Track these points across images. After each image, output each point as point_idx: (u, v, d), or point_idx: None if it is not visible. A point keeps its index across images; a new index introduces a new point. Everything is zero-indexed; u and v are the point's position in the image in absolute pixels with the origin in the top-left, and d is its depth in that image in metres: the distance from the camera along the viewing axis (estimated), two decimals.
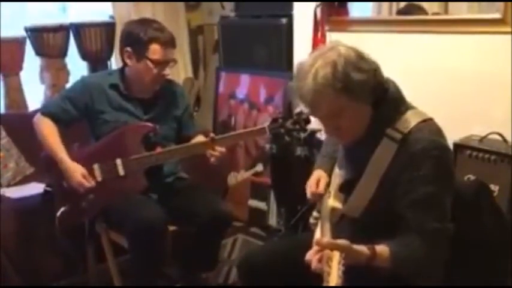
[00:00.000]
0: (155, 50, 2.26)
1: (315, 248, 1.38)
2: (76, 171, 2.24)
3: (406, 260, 1.41)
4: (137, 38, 2.26)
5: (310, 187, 1.76)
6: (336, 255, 1.25)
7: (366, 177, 1.52)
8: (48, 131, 2.31)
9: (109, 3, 3.44)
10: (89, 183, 2.24)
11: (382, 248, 1.39)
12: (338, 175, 1.66)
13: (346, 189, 1.59)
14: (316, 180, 1.77)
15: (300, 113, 2.22)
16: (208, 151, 2.25)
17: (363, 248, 1.35)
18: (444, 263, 1.48)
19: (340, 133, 1.53)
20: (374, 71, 1.45)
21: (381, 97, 1.48)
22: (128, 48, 2.29)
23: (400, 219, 1.46)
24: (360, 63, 1.43)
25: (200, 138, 2.42)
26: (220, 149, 2.25)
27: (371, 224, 1.52)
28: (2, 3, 2.97)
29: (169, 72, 2.34)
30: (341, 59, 1.41)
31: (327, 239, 1.34)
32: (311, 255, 1.38)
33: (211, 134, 2.31)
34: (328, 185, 1.75)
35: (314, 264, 1.35)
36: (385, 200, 1.48)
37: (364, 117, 1.50)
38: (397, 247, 1.41)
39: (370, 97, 1.46)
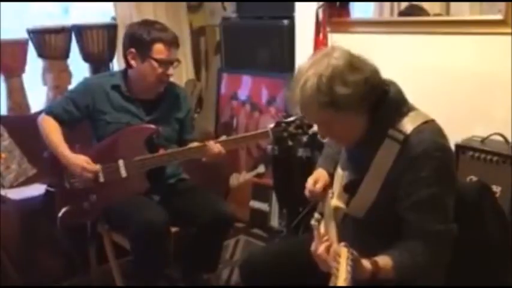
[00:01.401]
0: (159, 50, 2.26)
1: (318, 237, 1.38)
2: (78, 159, 2.25)
3: (410, 267, 1.41)
4: (141, 38, 2.26)
5: (308, 185, 1.76)
6: (344, 251, 1.25)
7: (368, 177, 1.52)
8: (51, 129, 2.32)
9: (111, 5, 3.44)
10: (93, 167, 2.25)
11: (384, 261, 1.39)
12: (341, 176, 1.66)
13: (349, 189, 1.59)
14: (315, 180, 1.77)
15: (303, 117, 2.22)
16: (206, 148, 2.25)
17: (365, 264, 1.34)
18: (447, 263, 1.48)
19: (335, 138, 1.54)
20: (364, 79, 1.41)
21: (381, 100, 1.48)
22: (132, 49, 2.30)
23: (403, 222, 1.46)
24: (347, 76, 1.40)
25: (196, 144, 2.41)
26: (220, 148, 2.25)
27: (374, 224, 1.52)
28: (3, 3, 2.97)
29: (173, 72, 2.35)
30: (328, 71, 1.40)
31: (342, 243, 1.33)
32: (316, 245, 1.38)
33: (223, 136, 2.31)
34: (330, 185, 1.75)
35: (320, 251, 1.34)
36: (388, 200, 1.48)
37: (356, 126, 1.50)
38: (400, 256, 1.40)
39: (361, 107, 1.45)
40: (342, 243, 1.30)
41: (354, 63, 1.43)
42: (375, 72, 1.46)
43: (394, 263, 1.39)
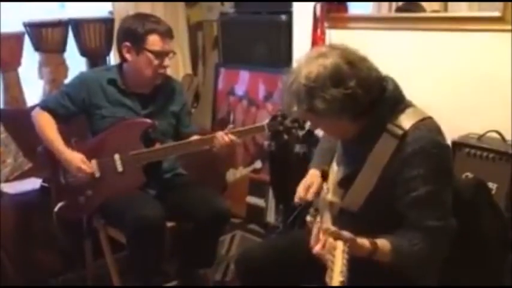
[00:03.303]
0: (154, 41, 2.26)
1: (317, 230, 1.40)
2: (74, 158, 2.25)
3: (407, 254, 1.42)
4: (135, 31, 2.26)
5: (299, 192, 1.75)
6: (340, 244, 1.26)
7: (365, 170, 1.52)
8: (46, 124, 2.31)
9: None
10: (89, 168, 2.25)
11: (383, 242, 1.41)
12: (336, 171, 1.66)
13: (345, 184, 1.59)
14: (308, 185, 1.76)
15: None
16: (218, 138, 2.23)
17: (364, 242, 1.37)
18: (443, 259, 1.48)
19: (325, 133, 1.56)
20: (343, 95, 1.40)
21: (378, 97, 1.47)
22: (127, 43, 2.29)
23: (401, 218, 1.46)
24: (328, 89, 1.40)
25: (196, 138, 2.40)
26: (232, 138, 2.24)
27: (370, 218, 1.52)
28: (2, 2, 2.96)
29: (169, 64, 2.34)
30: (311, 79, 1.41)
31: (333, 228, 1.34)
32: (315, 238, 1.40)
33: (230, 125, 2.30)
34: (325, 181, 1.74)
35: (316, 249, 1.36)
36: (384, 194, 1.49)
37: (343, 128, 1.52)
38: (399, 241, 1.42)
39: (342, 115, 1.45)
40: (333, 228, 1.31)
41: (342, 73, 1.41)
42: (369, 74, 1.45)
43: (392, 246, 1.41)
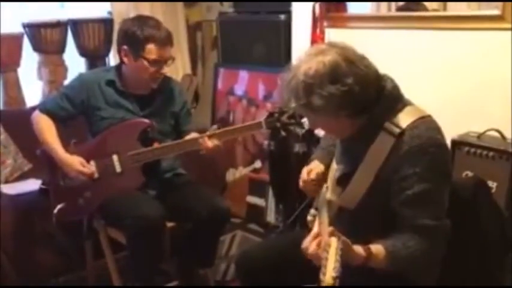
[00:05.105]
0: (151, 50, 2.24)
1: (312, 234, 1.39)
2: (73, 161, 2.25)
3: (403, 258, 1.41)
4: (133, 36, 2.24)
5: (302, 176, 1.76)
6: (334, 241, 1.26)
7: (362, 168, 1.52)
8: (45, 127, 2.31)
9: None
10: (89, 170, 2.25)
11: (378, 249, 1.39)
12: (335, 169, 1.66)
13: (343, 182, 1.59)
14: (308, 170, 1.76)
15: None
16: (202, 142, 2.22)
17: (359, 249, 1.36)
18: (441, 259, 1.48)
19: (323, 131, 1.56)
20: (342, 92, 1.40)
21: (377, 96, 1.47)
22: (125, 47, 2.28)
23: (396, 216, 1.46)
24: (326, 87, 1.40)
25: (193, 136, 2.40)
26: (215, 142, 2.23)
27: (367, 217, 1.52)
28: (2, 2, 2.96)
29: (167, 70, 2.33)
30: (309, 75, 1.41)
31: (329, 228, 1.34)
32: (307, 243, 1.40)
33: (214, 126, 2.29)
34: (325, 179, 1.74)
35: (311, 249, 1.36)
36: (381, 193, 1.48)
37: (340, 126, 1.52)
38: (394, 246, 1.41)
39: (340, 113, 1.45)
40: (330, 228, 1.30)
41: (340, 70, 1.41)
42: (367, 72, 1.44)
43: (387, 252, 1.40)
